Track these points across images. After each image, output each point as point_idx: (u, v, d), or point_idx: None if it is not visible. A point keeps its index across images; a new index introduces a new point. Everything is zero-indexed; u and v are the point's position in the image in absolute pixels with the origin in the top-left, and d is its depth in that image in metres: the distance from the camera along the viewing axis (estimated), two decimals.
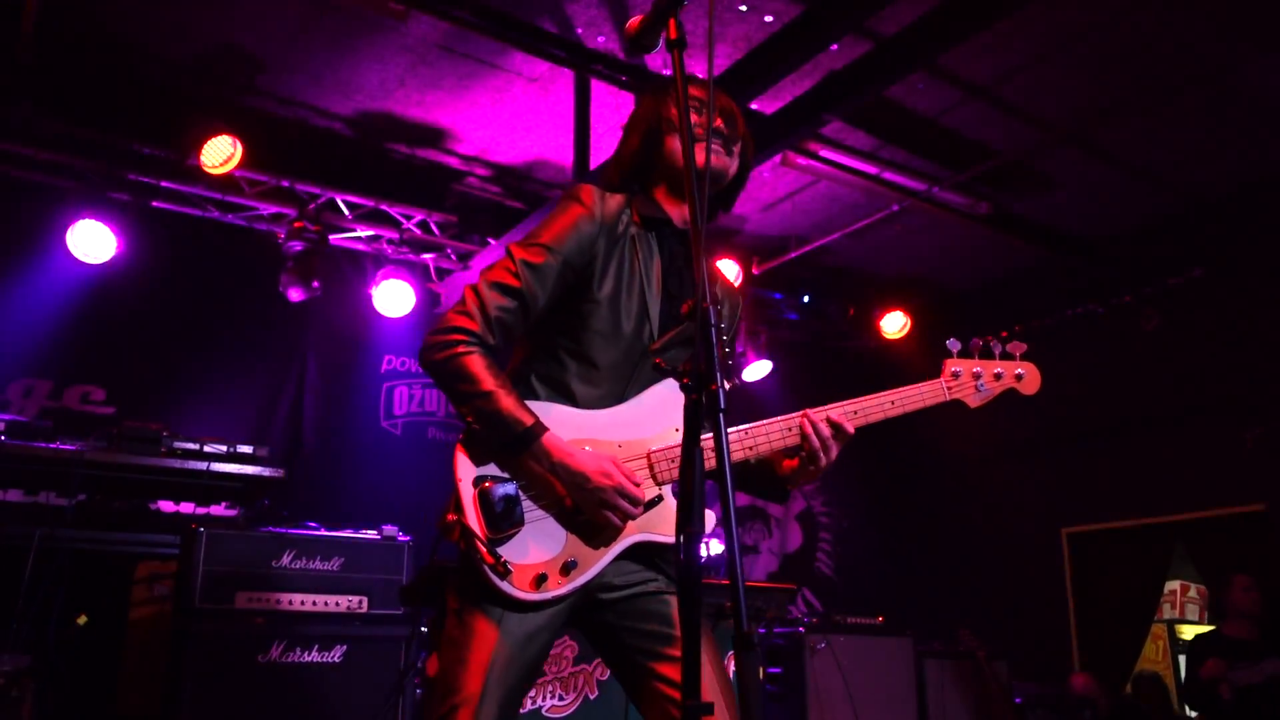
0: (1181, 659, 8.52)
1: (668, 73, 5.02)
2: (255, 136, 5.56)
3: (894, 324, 7.91)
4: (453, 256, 6.76)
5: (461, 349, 1.98)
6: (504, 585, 1.90)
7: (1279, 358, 6.19)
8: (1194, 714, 6.46)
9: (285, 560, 4.16)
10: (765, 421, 2.07)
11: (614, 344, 2.08)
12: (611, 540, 2.00)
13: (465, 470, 1.96)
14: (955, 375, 2.22)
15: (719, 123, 2.18)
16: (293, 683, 3.96)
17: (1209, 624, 8.31)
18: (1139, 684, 6.88)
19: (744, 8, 4.84)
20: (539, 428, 1.95)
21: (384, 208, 6.32)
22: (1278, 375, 6.22)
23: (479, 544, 1.89)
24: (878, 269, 7.85)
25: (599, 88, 5.49)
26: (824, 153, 6.05)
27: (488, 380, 1.95)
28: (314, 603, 4.12)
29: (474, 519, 1.92)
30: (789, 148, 5.90)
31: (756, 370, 7.56)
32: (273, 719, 3.89)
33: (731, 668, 3.95)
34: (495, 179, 6.56)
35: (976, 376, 2.22)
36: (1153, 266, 6.84)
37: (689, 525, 1.42)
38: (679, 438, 2.04)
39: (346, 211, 6.28)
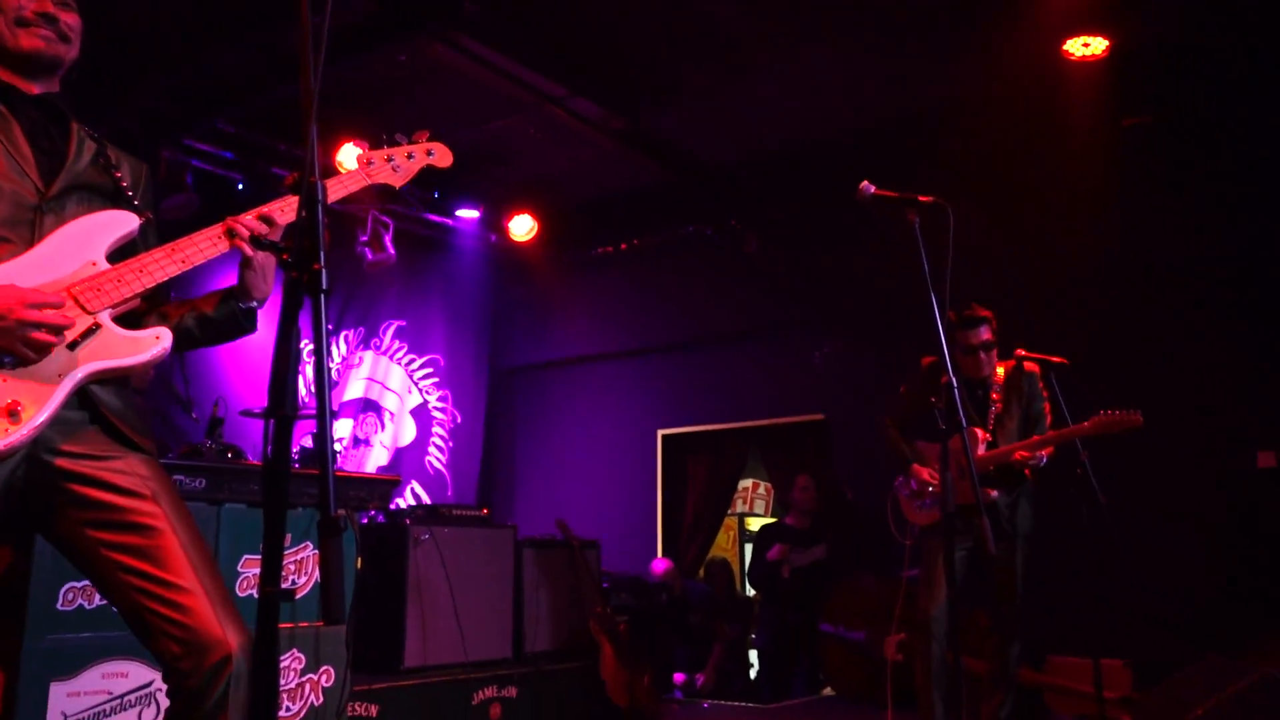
0: (748, 547, 9.68)
1: None
2: None
3: (522, 226, 8.04)
4: None
5: None
6: None
7: (848, 288, 7.07)
8: (754, 593, 7.39)
9: None
10: (189, 236, 2.05)
11: None
12: (57, 373, 1.87)
13: None
14: (370, 164, 2.36)
15: (49, 7, 2.12)
16: None
17: (773, 517, 9.48)
18: (710, 568, 7.72)
19: None
20: None
21: None
22: (844, 303, 7.11)
23: None
24: (510, 170, 7.88)
25: None
26: (466, 43, 5.91)
27: None
28: None
29: None
30: (429, 35, 5.70)
31: (381, 263, 7.36)
32: None
33: (306, 552, 3.91)
34: None
35: (389, 160, 2.38)
36: (758, 196, 7.48)
37: (280, 409, 1.36)
38: (97, 270, 1.98)
39: None
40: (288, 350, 1.38)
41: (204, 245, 2.04)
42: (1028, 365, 4.58)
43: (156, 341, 2.00)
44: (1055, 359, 4.47)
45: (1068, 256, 6.15)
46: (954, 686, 4.23)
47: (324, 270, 1.42)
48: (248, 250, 2.07)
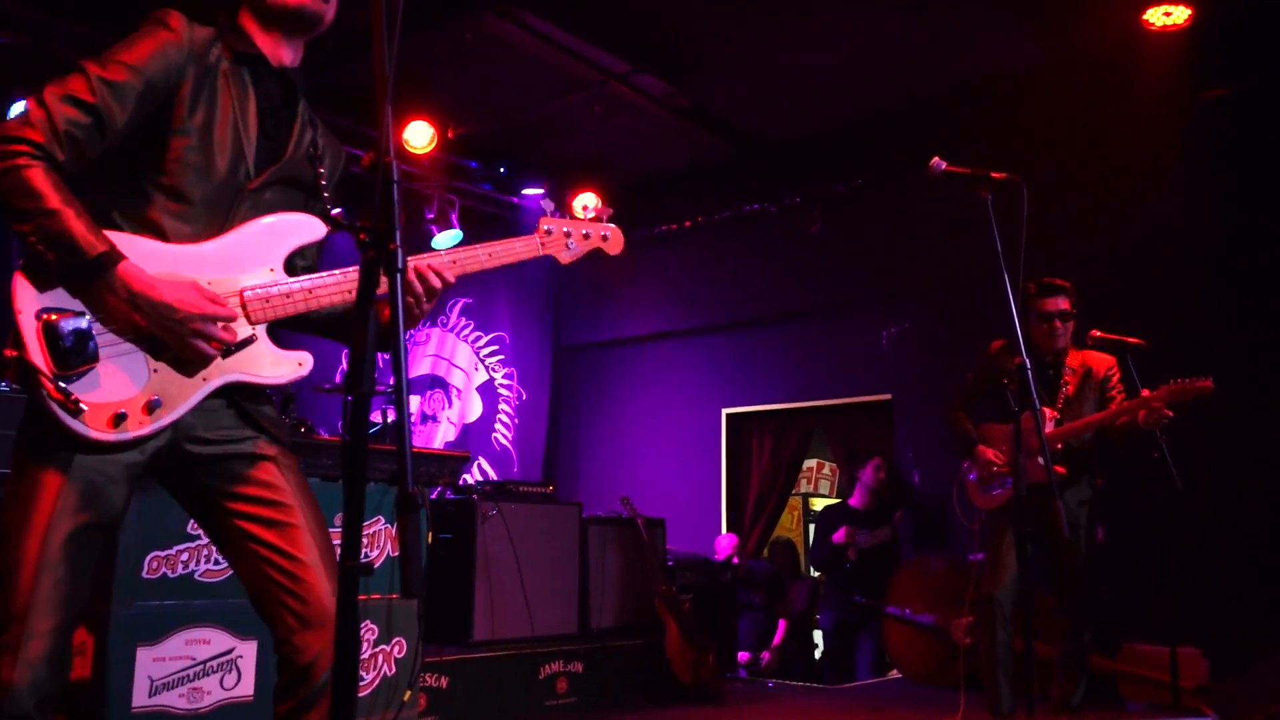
0: (812, 527, 9.65)
1: None
2: None
3: (586, 203, 8.05)
4: None
5: (23, 160, 1.74)
6: (75, 424, 1.75)
7: (916, 264, 6.94)
8: (818, 574, 7.36)
9: None
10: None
11: (207, 179, 1.95)
12: (203, 377, 1.90)
13: (26, 300, 1.75)
14: (548, 233, 2.33)
15: None
16: None
17: (837, 498, 9.43)
18: (774, 549, 7.70)
19: None
20: (114, 254, 1.78)
21: None
22: (914, 282, 6.99)
23: (44, 380, 1.71)
24: (574, 147, 7.90)
25: None
26: (529, 19, 5.92)
27: (54, 197, 1.74)
28: None
29: (38, 354, 1.72)
30: (491, 10, 5.72)
31: (446, 239, 7.44)
32: None
33: (378, 526, 3.98)
34: None
35: (567, 235, 2.35)
36: (821, 171, 7.38)
37: (359, 386, 1.38)
38: (274, 277, 1.99)
39: None
40: (365, 328, 1.40)
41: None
42: (1100, 362, 4.48)
43: (299, 367, 2.03)
44: (1132, 340, 4.36)
45: (1144, 232, 5.97)
46: (1022, 670, 4.18)
47: (400, 249, 1.44)
48: (418, 290, 2.06)
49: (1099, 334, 4.45)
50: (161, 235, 1.90)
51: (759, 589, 7.10)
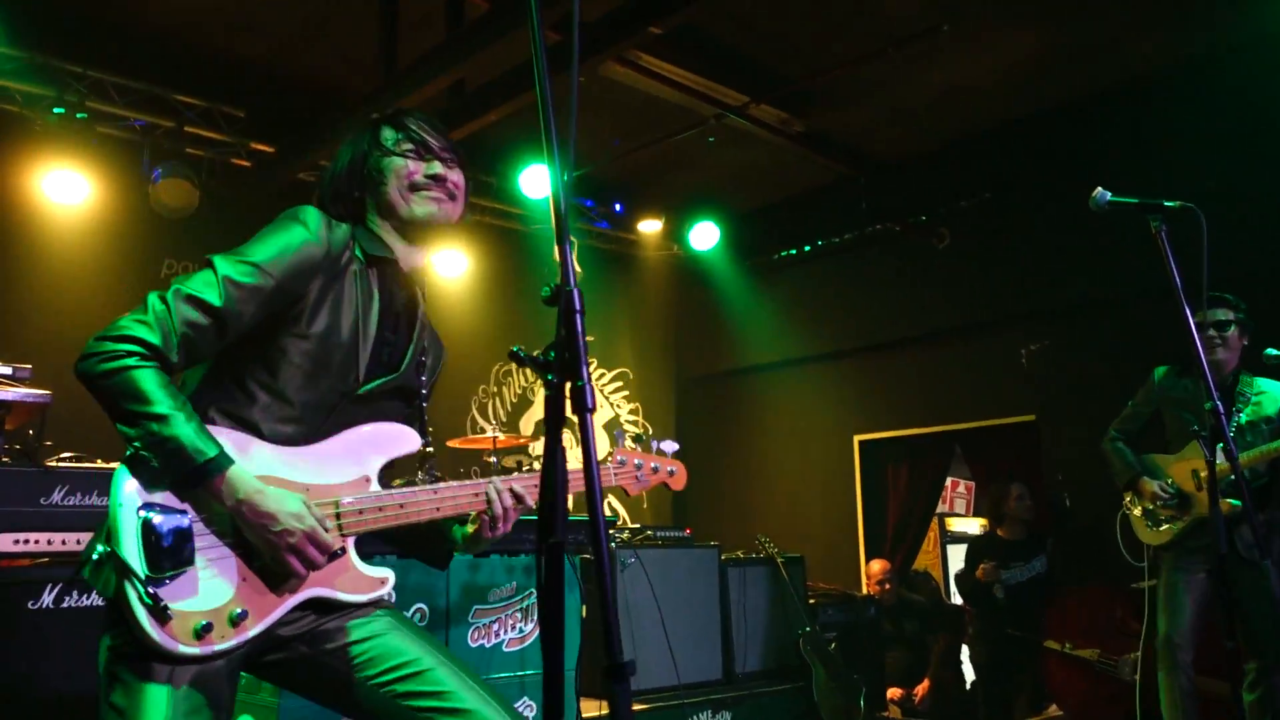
0: (950, 549, 9.30)
1: None
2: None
3: (704, 235, 7.95)
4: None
5: (134, 361, 1.70)
6: (159, 634, 1.65)
7: (1054, 279, 6.61)
8: (965, 605, 7.05)
9: (56, 497, 3.76)
10: (454, 484, 1.99)
11: (315, 384, 1.89)
12: (289, 590, 1.82)
13: (129, 495, 1.70)
14: (621, 463, 2.32)
15: (439, 169, 2.05)
16: (69, 630, 3.63)
17: (976, 516, 9.08)
18: (912, 580, 7.41)
19: None
20: (224, 459, 1.73)
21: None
22: (1052, 295, 6.66)
23: (135, 582, 1.64)
24: (690, 180, 7.82)
25: None
26: (646, 61, 5.89)
27: (163, 401, 1.70)
28: None
29: (133, 552, 1.65)
30: (610, 56, 5.69)
31: None
32: (47, 670, 3.57)
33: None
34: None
35: (638, 468, 2.34)
36: (946, 188, 7.11)
37: (552, 535, 1.30)
38: (370, 489, 1.92)
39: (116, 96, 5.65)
40: (555, 470, 1.33)
41: (463, 500, 1.99)
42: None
43: (382, 584, 1.94)
44: None
45: None
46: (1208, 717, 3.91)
47: (589, 387, 1.36)
48: (487, 530, 2.03)
49: (1275, 351, 4.15)
50: (258, 434, 1.85)
51: (911, 619, 6.84)
